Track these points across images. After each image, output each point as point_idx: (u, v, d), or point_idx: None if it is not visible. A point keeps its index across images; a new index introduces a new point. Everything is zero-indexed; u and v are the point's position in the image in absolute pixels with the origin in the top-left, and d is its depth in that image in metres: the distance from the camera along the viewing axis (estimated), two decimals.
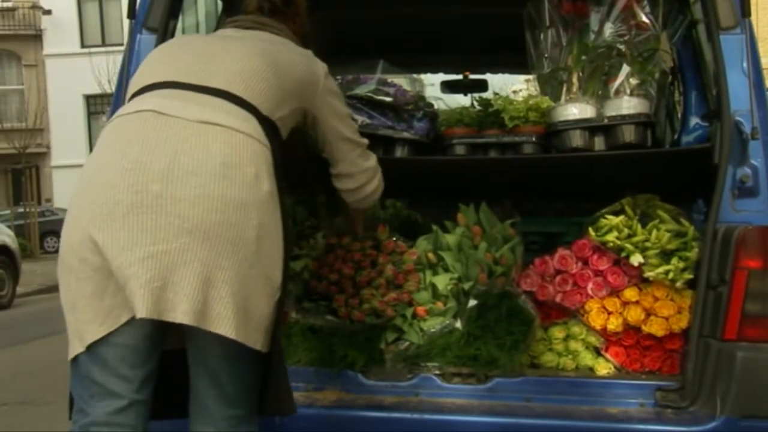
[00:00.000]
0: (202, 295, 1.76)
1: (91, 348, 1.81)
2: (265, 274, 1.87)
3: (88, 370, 1.82)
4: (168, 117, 1.88)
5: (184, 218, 1.77)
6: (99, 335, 1.80)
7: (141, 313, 1.72)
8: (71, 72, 25.56)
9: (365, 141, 2.34)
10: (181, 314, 1.74)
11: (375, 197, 2.41)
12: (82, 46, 27.01)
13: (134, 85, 2.07)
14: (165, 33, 2.60)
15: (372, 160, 2.36)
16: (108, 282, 1.78)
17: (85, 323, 1.81)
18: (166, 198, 1.77)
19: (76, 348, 1.83)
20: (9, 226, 14.85)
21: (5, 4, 27.51)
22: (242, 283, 1.81)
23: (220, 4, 3.45)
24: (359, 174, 2.33)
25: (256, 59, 2.05)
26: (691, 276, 2.37)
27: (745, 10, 2.41)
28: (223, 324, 1.78)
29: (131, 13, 2.62)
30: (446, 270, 2.60)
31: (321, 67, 2.21)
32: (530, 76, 3.32)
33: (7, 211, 21.52)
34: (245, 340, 1.82)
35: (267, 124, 1.98)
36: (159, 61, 2.11)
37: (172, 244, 1.76)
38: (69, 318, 1.85)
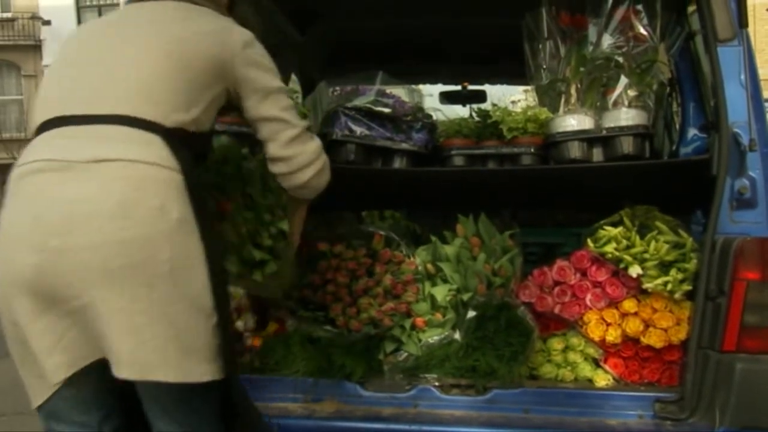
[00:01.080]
0: (129, 346, 1.70)
1: (41, 408, 1.82)
2: (194, 305, 1.77)
3: (46, 423, 1.85)
4: (62, 164, 1.76)
5: (90, 269, 1.69)
6: (42, 399, 1.80)
7: (67, 374, 1.75)
8: None
9: (302, 123, 2.08)
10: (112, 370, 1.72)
11: (314, 187, 2.12)
12: None
13: (35, 113, 1.94)
14: None
15: (310, 145, 2.08)
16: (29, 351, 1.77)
17: (28, 387, 1.83)
18: (67, 251, 1.69)
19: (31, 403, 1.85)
20: None
21: (5, 15, 27.53)
22: (168, 322, 1.73)
23: None
24: (292, 159, 2.05)
25: (156, 59, 1.87)
26: (689, 287, 2.37)
27: (742, 21, 2.42)
28: (158, 370, 1.72)
29: None
30: (445, 281, 2.60)
31: (239, 36, 1.98)
32: (529, 87, 3.32)
33: None
34: (187, 378, 1.75)
35: (176, 137, 1.82)
36: (49, 85, 1.96)
37: (84, 300, 1.70)
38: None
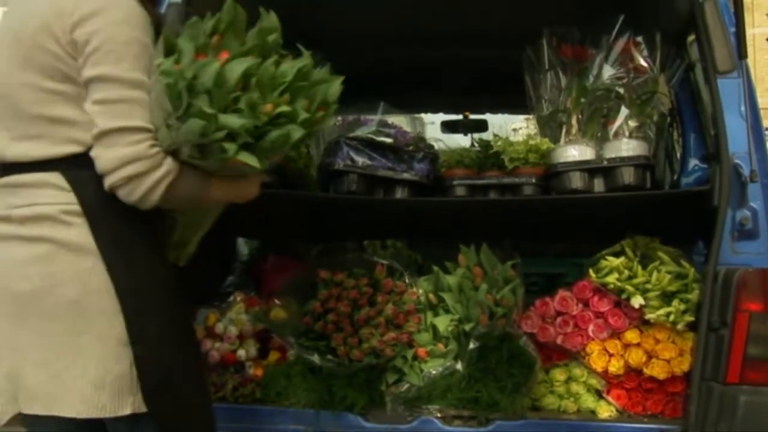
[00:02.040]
0: (37, 380, 1.71)
1: None
2: (104, 335, 1.72)
3: None
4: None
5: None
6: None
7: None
8: None
9: (110, 124, 1.71)
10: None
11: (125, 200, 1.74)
12: None
13: None
14: None
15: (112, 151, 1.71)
16: None
17: None
18: None
19: None
20: None
21: None
22: (76, 354, 1.71)
23: None
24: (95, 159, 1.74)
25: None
26: (692, 318, 2.37)
27: (741, 53, 2.44)
28: (64, 405, 1.70)
29: None
30: (447, 311, 2.59)
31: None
32: (530, 115, 3.35)
33: None
34: (101, 413, 1.71)
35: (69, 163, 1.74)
36: None
37: None
38: None
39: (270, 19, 1.82)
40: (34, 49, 1.76)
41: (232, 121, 1.66)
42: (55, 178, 1.76)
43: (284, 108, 1.72)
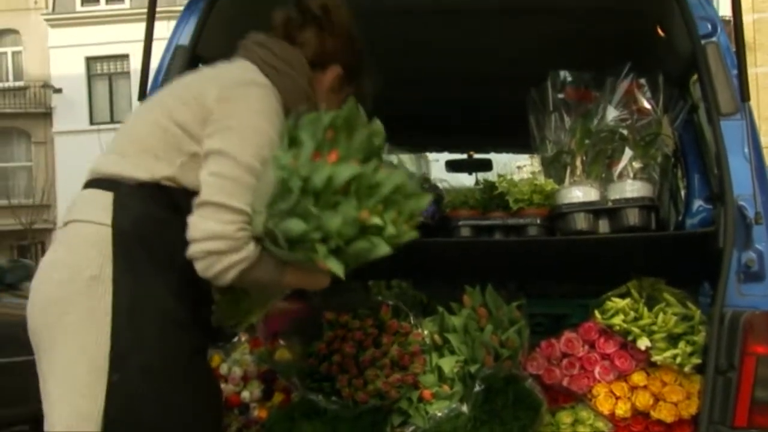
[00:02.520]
0: (44, 408, 1.80)
1: None
2: (93, 365, 1.76)
3: None
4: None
5: (32, 330, 1.85)
6: None
7: None
8: (79, 149, 25.80)
9: (216, 197, 1.80)
10: None
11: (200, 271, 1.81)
12: (91, 123, 27.41)
13: None
14: None
15: (204, 224, 1.78)
16: None
17: None
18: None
19: None
20: None
21: (17, 83, 28.05)
22: (69, 385, 1.76)
23: None
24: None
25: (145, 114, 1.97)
26: (699, 361, 2.35)
27: (744, 95, 2.46)
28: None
29: (141, 97, 2.68)
30: (452, 352, 2.58)
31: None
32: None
33: None
34: None
35: (135, 190, 1.84)
36: None
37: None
38: None
39: (377, 125, 1.92)
40: (181, 103, 1.91)
41: (333, 223, 1.72)
42: (106, 197, 1.85)
43: (377, 219, 1.78)
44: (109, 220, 1.81)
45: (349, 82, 2.13)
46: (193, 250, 1.77)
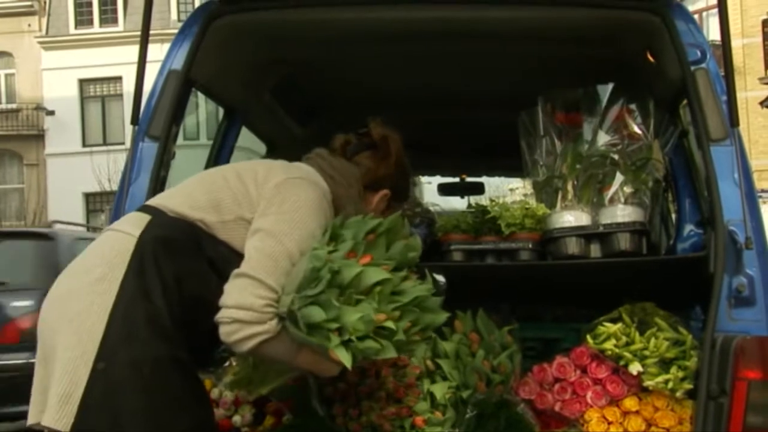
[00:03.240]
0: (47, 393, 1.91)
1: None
2: (86, 352, 1.87)
3: None
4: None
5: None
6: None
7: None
8: (72, 171, 25.84)
9: (257, 274, 1.95)
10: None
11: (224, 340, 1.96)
12: (84, 145, 27.40)
13: None
14: (167, 140, 2.66)
15: (239, 295, 1.93)
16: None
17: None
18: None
19: None
20: None
21: (9, 106, 28.05)
22: (64, 370, 1.86)
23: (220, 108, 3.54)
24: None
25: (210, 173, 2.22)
26: (690, 386, 2.35)
27: (733, 120, 2.47)
28: (47, 415, 1.86)
29: (134, 120, 2.68)
30: (444, 378, 2.57)
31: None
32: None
33: None
34: (61, 425, 1.84)
35: (170, 218, 2.04)
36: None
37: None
38: None
39: (416, 241, 2.14)
40: (249, 172, 2.14)
41: (350, 318, 1.88)
42: (142, 218, 2.04)
43: (390, 324, 1.92)
44: (137, 233, 1.98)
45: (395, 203, 2.36)
46: (222, 314, 1.93)
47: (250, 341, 1.91)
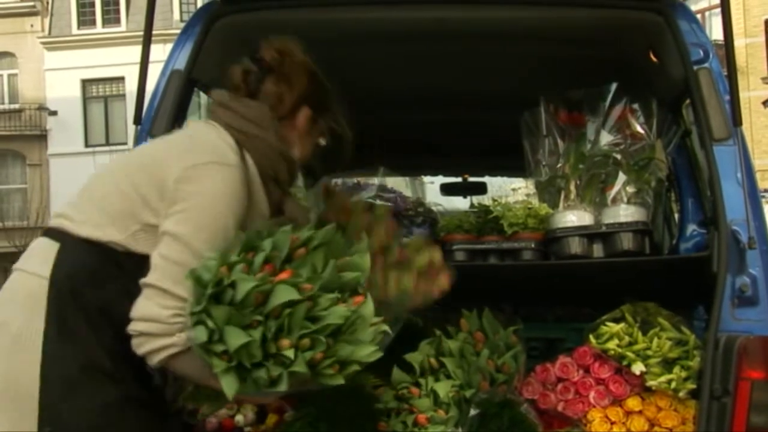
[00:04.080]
0: None
1: None
2: (23, 423, 1.76)
3: None
4: None
5: None
6: None
7: None
8: (74, 171, 25.71)
9: (160, 282, 1.80)
10: None
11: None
12: (86, 145, 27.42)
13: None
14: None
15: (145, 308, 1.79)
16: None
17: None
18: None
19: None
20: None
21: (12, 106, 28.08)
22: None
23: None
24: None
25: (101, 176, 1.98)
26: (694, 386, 2.34)
27: (736, 120, 2.47)
28: None
29: (137, 120, 2.69)
30: (448, 376, 2.57)
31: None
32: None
33: None
34: None
35: (79, 244, 1.85)
36: None
37: None
38: None
39: (363, 259, 1.88)
40: (142, 171, 1.90)
41: (232, 339, 1.67)
42: (51, 247, 1.86)
43: (289, 352, 1.69)
44: (47, 273, 1.81)
45: (320, 119, 2.12)
46: (130, 327, 1.79)
47: (158, 354, 1.77)
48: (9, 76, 28.37)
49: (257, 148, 1.96)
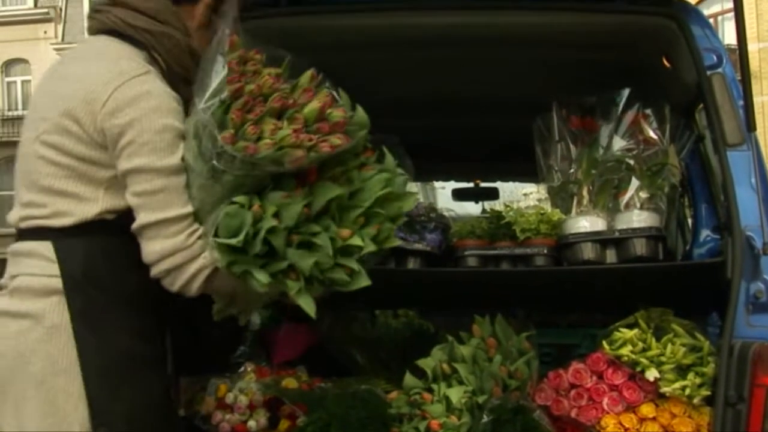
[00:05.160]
0: None
1: None
2: (66, 420, 1.73)
3: None
4: None
5: None
6: None
7: None
8: None
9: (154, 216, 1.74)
10: None
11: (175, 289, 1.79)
12: None
13: None
14: None
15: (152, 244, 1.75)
16: None
17: None
18: None
19: None
20: None
21: (11, 113, 28.22)
22: None
23: None
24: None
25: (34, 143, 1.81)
26: (708, 392, 2.33)
27: (750, 125, 2.46)
28: None
29: None
30: (460, 382, 2.57)
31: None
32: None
33: None
34: None
35: (72, 233, 1.77)
36: None
37: None
38: None
39: (360, 115, 1.90)
40: (55, 129, 1.77)
41: (305, 262, 1.66)
42: (45, 247, 1.78)
43: (357, 240, 1.73)
44: (57, 271, 1.76)
45: (216, 11, 1.95)
46: (153, 272, 1.74)
47: (193, 283, 1.73)
48: (23, 82, 28.55)
49: (165, 48, 1.84)
